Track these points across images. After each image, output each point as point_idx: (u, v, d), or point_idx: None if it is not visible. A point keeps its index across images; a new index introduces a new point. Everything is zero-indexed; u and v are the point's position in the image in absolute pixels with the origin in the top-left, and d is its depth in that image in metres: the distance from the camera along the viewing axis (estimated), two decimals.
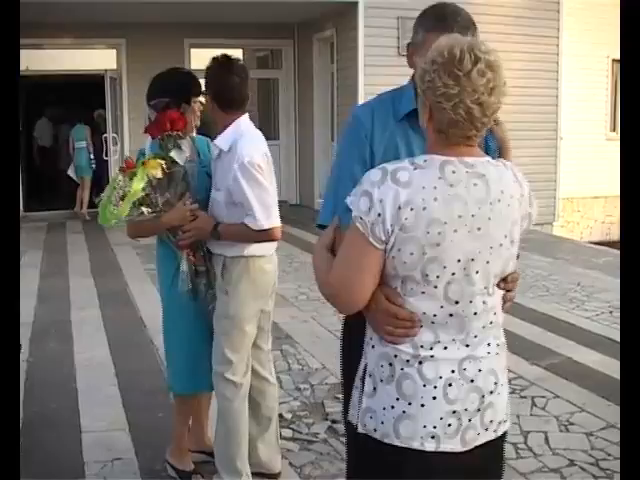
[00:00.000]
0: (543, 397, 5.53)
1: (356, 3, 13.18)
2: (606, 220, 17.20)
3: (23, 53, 15.44)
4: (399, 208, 2.20)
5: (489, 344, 2.39)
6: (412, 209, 2.19)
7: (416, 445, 2.31)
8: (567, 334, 7.15)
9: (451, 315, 2.30)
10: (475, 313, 2.33)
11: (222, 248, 4.03)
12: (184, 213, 4.01)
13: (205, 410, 4.60)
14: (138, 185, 3.90)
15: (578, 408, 5.35)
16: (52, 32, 14.92)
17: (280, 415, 5.18)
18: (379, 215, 2.21)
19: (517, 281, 2.48)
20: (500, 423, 2.44)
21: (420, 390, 2.31)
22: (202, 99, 4.14)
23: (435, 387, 2.31)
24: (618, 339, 7.01)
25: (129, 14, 13.83)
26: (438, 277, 2.25)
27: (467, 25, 2.69)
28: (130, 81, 15.41)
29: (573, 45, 15.38)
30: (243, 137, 3.95)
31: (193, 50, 15.83)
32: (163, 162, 3.93)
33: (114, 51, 15.81)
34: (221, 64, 4.02)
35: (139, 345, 6.97)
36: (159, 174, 3.93)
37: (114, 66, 15.66)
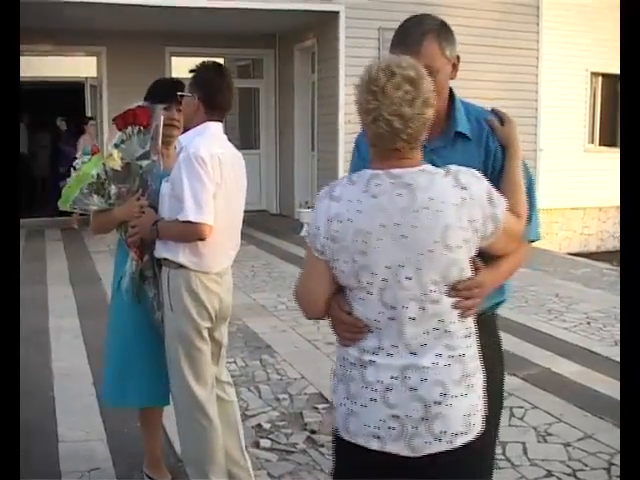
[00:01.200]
0: (521, 408, 5.55)
1: (337, 13, 13.24)
2: (584, 231, 17.30)
3: None
4: (329, 221, 2.42)
5: (439, 354, 2.43)
6: (340, 221, 2.40)
7: (361, 442, 2.47)
8: (545, 345, 7.18)
9: (392, 319, 2.41)
10: (412, 318, 2.40)
11: (165, 253, 3.91)
12: (132, 208, 3.98)
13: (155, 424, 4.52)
14: (89, 169, 3.98)
15: (556, 419, 5.38)
16: (32, 39, 14.85)
17: (259, 425, 5.18)
18: (317, 228, 2.46)
19: (474, 289, 2.47)
20: (457, 435, 2.44)
21: (361, 391, 2.47)
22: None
23: (375, 390, 2.44)
24: (595, 350, 7.06)
25: (110, 22, 13.81)
26: (369, 283, 2.40)
27: (413, 44, 2.69)
28: (110, 89, 15.38)
29: (552, 58, 15.48)
30: (201, 135, 3.90)
31: (174, 59, 15.84)
32: (119, 153, 3.96)
33: (94, 59, 15.76)
34: (214, 68, 4.05)
35: None
36: (116, 165, 3.96)
37: (94, 74, 15.62)
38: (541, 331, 7.71)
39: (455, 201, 2.37)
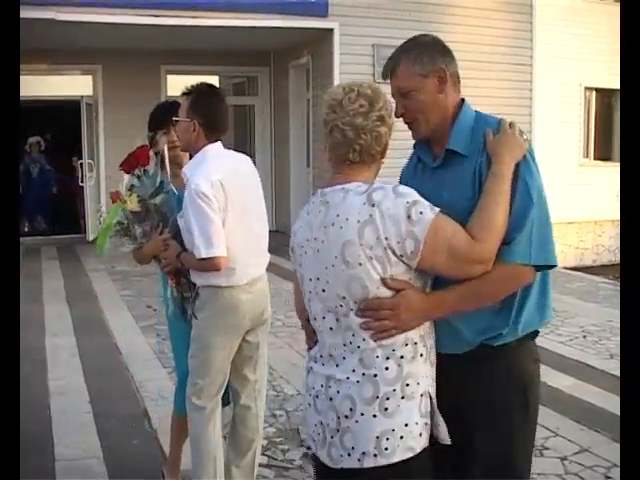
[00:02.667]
0: None
1: (331, 30, 13.28)
2: (580, 245, 17.31)
3: None
4: (293, 235, 2.70)
5: (353, 370, 2.49)
6: (295, 235, 2.68)
7: (308, 442, 2.74)
8: (542, 359, 7.17)
9: (320, 329, 2.61)
10: (331, 329, 2.55)
11: (194, 276, 4.08)
12: (157, 243, 4.16)
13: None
14: (110, 220, 4.24)
15: (552, 432, 5.38)
16: (28, 58, 14.88)
17: None
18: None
19: (382, 310, 2.44)
20: (365, 454, 2.44)
21: (305, 395, 2.71)
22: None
23: (310, 395, 2.64)
24: (591, 363, 7.07)
25: (106, 40, 13.84)
26: (307, 292, 2.63)
27: (388, 69, 2.78)
28: (106, 107, 15.42)
29: (546, 73, 15.54)
30: (200, 164, 3.98)
31: (169, 77, 15.87)
32: (135, 196, 4.12)
33: (90, 77, 15.79)
34: (210, 91, 4.12)
35: (114, 372, 6.94)
36: (135, 208, 4.15)
37: (90, 92, 15.65)
38: (537, 345, 7.71)
39: (360, 218, 2.42)
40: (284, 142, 15.98)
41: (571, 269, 14.13)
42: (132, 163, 4.26)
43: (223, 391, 4.19)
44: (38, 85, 16.22)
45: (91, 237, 15.13)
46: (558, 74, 16.19)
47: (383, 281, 2.43)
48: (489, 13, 14.29)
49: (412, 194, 2.45)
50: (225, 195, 3.92)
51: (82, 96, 15.27)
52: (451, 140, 2.73)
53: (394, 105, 2.70)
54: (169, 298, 4.28)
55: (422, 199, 2.45)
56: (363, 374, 2.46)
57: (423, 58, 2.71)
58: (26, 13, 11.45)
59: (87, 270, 12.09)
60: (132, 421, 5.61)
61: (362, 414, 2.45)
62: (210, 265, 3.91)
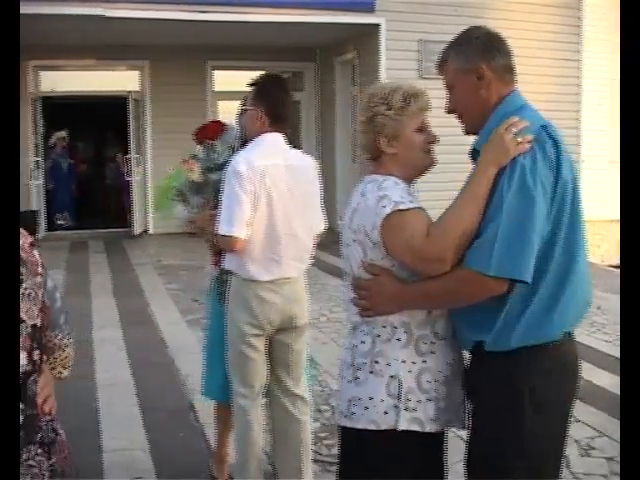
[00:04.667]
0: None
1: (378, 26, 13.24)
2: None
3: (48, 75, 15.75)
4: None
5: (348, 337, 2.89)
6: None
7: None
8: (587, 357, 7.11)
9: None
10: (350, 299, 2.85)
11: (225, 262, 4.13)
12: (205, 216, 4.25)
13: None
14: (171, 182, 4.43)
15: (598, 432, 5.33)
16: (76, 54, 15.10)
17: None
18: None
19: (359, 290, 2.77)
20: (341, 413, 2.81)
21: None
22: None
23: None
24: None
25: (152, 36, 13.95)
26: None
27: (437, 65, 2.84)
28: (153, 102, 15.56)
29: (593, 68, 15.38)
30: (251, 149, 4.03)
31: (215, 72, 15.95)
32: (199, 167, 4.21)
33: (137, 73, 15.96)
34: (277, 81, 4.18)
35: (160, 365, 7.00)
36: (197, 178, 4.27)
37: (137, 88, 15.79)
38: (583, 343, 7.63)
39: (354, 206, 2.72)
40: (330, 137, 15.96)
41: (615, 267, 13.96)
42: (202, 134, 4.34)
43: (262, 386, 4.19)
44: (87, 80, 16.41)
45: (137, 231, 15.27)
46: (604, 69, 16.02)
47: (362, 264, 2.69)
48: (535, 7, 14.14)
49: (388, 189, 2.64)
50: (263, 182, 3.91)
51: (129, 92, 15.41)
52: (478, 138, 2.72)
53: (396, 97, 2.74)
54: (211, 279, 4.38)
55: (393, 194, 2.60)
56: (350, 343, 2.79)
57: (464, 54, 2.71)
58: (75, 9, 11.67)
59: (133, 264, 12.21)
60: (178, 414, 5.65)
61: (343, 377, 2.79)
62: (226, 243, 3.94)
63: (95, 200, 18.33)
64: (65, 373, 2.51)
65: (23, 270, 2.12)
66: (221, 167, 4.19)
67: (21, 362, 2.06)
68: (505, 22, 13.24)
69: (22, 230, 2.21)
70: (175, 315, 8.90)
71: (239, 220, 3.87)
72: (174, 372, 6.74)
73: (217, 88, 15.88)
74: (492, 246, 2.44)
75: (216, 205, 4.08)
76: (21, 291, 2.09)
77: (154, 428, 5.42)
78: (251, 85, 4.13)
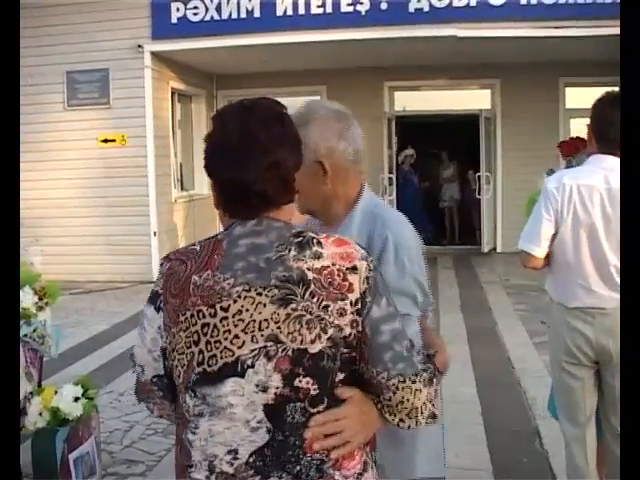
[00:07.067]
0: None
1: None
2: None
3: (401, 95, 16.33)
4: None
5: None
6: None
7: None
8: None
9: None
10: None
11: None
12: None
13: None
14: (535, 194, 4.44)
15: None
16: (430, 74, 15.48)
17: None
18: None
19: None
20: None
21: None
22: None
23: None
24: None
25: (503, 54, 13.92)
26: None
27: None
28: (504, 120, 15.54)
29: None
30: (578, 167, 4.02)
31: (568, 89, 15.55)
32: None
33: (488, 91, 16.04)
34: (608, 100, 3.82)
35: (506, 386, 6.95)
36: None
37: (488, 106, 15.86)
38: None
39: None
40: None
41: None
42: (571, 147, 4.27)
43: (589, 418, 3.94)
44: (436, 100, 16.78)
45: (486, 249, 15.31)
46: None
47: None
48: None
49: None
50: (566, 201, 3.71)
51: (481, 110, 15.51)
52: None
53: None
54: None
55: None
56: None
57: None
58: (428, 31, 12.01)
59: (481, 282, 12.27)
60: (522, 437, 5.57)
61: None
62: (522, 258, 3.92)
63: (441, 217, 18.57)
64: (402, 422, 2.08)
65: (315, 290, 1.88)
66: None
67: (276, 383, 1.84)
68: None
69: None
70: (523, 335, 8.79)
71: (537, 237, 3.81)
72: (520, 393, 6.65)
73: (570, 105, 15.48)
74: None
75: None
76: (289, 312, 1.86)
77: (497, 449, 5.38)
78: None
